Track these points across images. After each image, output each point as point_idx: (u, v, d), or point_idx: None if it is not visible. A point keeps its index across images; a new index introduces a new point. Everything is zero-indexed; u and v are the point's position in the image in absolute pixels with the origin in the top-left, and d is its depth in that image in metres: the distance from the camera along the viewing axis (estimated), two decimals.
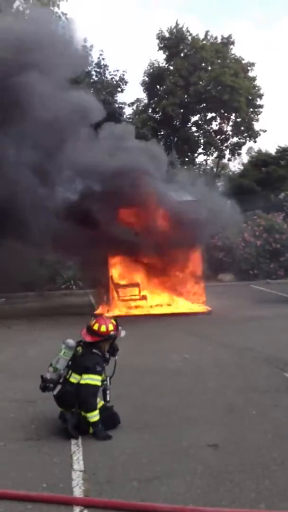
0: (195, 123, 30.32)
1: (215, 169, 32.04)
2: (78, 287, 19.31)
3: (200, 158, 31.78)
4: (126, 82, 24.06)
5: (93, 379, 5.50)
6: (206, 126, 30.15)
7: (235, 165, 36.48)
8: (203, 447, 5.15)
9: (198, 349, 9.53)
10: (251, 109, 29.30)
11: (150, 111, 29.53)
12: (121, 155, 12.67)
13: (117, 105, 24.04)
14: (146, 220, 12.90)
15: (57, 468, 4.82)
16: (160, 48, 29.68)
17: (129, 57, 55.86)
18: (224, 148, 30.69)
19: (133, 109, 28.18)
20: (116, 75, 23.93)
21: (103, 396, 5.70)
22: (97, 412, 5.47)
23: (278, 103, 65.82)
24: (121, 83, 23.98)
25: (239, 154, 31.61)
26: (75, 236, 12.19)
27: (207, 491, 4.30)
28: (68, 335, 5.92)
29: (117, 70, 24.04)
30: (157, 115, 29.17)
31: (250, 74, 29.43)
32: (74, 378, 5.58)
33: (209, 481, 4.47)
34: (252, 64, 29.53)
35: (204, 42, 29.15)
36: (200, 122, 30.18)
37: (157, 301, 13.94)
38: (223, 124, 29.85)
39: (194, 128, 30.43)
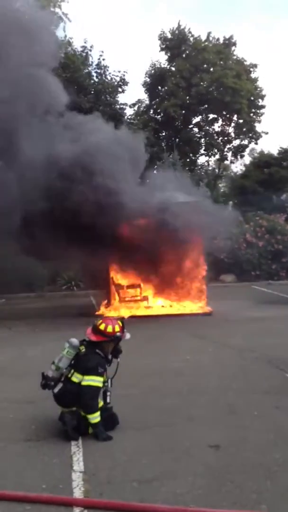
0: (197, 125, 30.28)
1: (217, 170, 31.97)
2: (79, 288, 19.29)
3: (202, 160, 31.77)
4: (127, 83, 24.04)
5: (94, 381, 5.47)
6: (208, 127, 30.11)
7: (237, 166, 36.53)
8: (204, 448, 5.11)
9: (199, 350, 9.50)
10: (253, 110, 29.25)
11: (151, 112, 29.49)
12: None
13: (118, 106, 24.00)
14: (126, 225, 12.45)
15: (57, 469, 4.79)
16: (162, 49, 29.68)
17: (130, 58, 56.07)
18: (226, 150, 30.67)
19: (134, 110, 28.18)
20: (117, 76, 23.91)
21: (103, 398, 5.67)
22: (98, 413, 5.45)
23: (280, 104, 65.84)
24: (121, 84, 23.92)
25: (242, 157, 31.61)
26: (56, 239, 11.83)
27: (208, 491, 4.27)
28: (68, 336, 5.88)
29: (119, 71, 24.03)
30: (159, 116, 29.13)
31: (252, 75, 29.40)
32: (76, 377, 5.55)
33: (210, 481, 4.44)
34: (254, 66, 29.51)
35: (206, 43, 29.12)
36: (202, 123, 30.14)
37: (159, 302, 13.91)
38: (225, 126, 29.81)
39: (195, 130, 30.39)
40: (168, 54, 29.60)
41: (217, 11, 58.47)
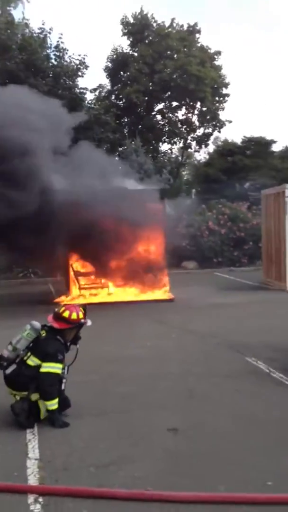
0: (160, 112, 30.12)
1: (180, 158, 31.91)
2: (37, 276, 18.92)
3: (165, 147, 31.67)
4: (87, 67, 23.52)
5: (54, 367, 5.37)
6: (171, 115, 30.00)
7: (201, 154, 36.57)
8: (163, 432, 5.08)
9: (161, 336, 9.47)
10: (217, 99, 29.26)
11: (113, 97, 29.10)
12: None
13: (78, 91, 23.53)
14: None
15: (11, 457, 4.67)
16: (124, 34, 29.26)
17: (91, 43, 55.00)
18: (190, 139, 30.66)
19: (95, 95, 27.69)
20: (76, 59, 23.41)
21: (58, 385, 5.55)
22: (56, 400, 5.34)
23: (243, 93, 66.36)
24: (81, 68, 23.42)
25: (206, 145, 31.65)
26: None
27: (166, 475, 4.24)
28: (25, 324, 5.71)
29: (79, 55, 23.53)
30: (121, 102, 28.77)
31: (216, 63, 29.37)
32: (32, 361, 5.42)
33: (168, 465, 4.41)
34: (218, 53, 29.45)
35: (170, 29, 28.91)
36: (165, 110, 30.00)
37: (119, 288, 13.76)
38: (189, 114, 29.75)
39: (159, 117, 30.23)
40: (131, 39, 29.22)
41: None
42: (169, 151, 31.64)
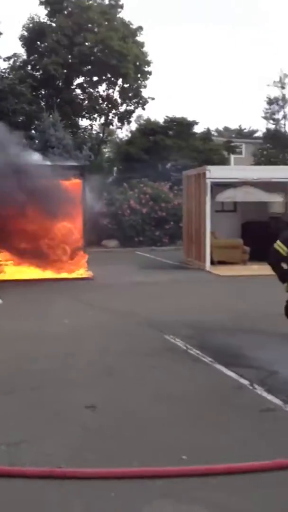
0: (80, 86, 29.36)
1: (101, 135, 31.32)
2: None
3: (85, 123, 30.92)
4: (0, 34, 22.34)
5: None
6: (91, 89, 29.33)
7: (123, 132, 36.11)
8: (80, 409, 4.89)
9: (79, 314, 9.21)
10: (139, 76, 28.91)
11: (29, 68, 27.99)
12: None
13: None
14: None
15: None
16: (41, 3, 28.10)
17: (5, 9, 52.27)
18: (112, 115, 30.13)
19: (9, 64, 26.42)
20: None
21: None
22: None
23: (166, 73, 66.44)
24: None
25: (128, 123, 31.26)
26: None
27: (80, 451, 4.06)
28: None
29: None
30: (38, 74, 27.72)
31: (138, 39, 28.96)
32: None
33: (83, 441, 4.25)
34: (140, 28, 29.03)
35: (91, 2, 28.13)
36: (85, 85, 29.28)
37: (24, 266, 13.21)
38: (110, 90, 29.20)
39: (78, 91, 29.47)
40: (48, 9, 28.12)
41: None
42: (89, 127, 31.01)
